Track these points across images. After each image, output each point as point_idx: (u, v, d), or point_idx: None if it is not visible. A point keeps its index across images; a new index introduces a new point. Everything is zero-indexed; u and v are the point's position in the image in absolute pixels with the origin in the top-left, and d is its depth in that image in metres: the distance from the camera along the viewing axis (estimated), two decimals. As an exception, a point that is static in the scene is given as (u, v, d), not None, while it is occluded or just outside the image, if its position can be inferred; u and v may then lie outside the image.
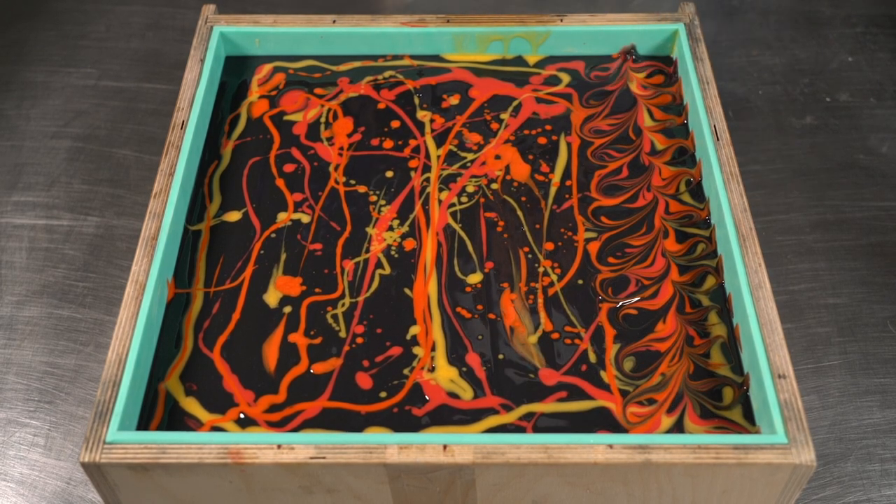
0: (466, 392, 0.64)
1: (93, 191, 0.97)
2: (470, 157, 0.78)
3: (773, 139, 1.01)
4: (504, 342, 0.66)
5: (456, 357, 0.66)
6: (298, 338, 0.67)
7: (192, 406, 0.63)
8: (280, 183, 0.76)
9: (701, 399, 0.63)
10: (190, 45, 0.82)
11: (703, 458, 0.57)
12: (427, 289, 0.69)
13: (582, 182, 0.76)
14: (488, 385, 0.64)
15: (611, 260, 0.71)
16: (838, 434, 0.79)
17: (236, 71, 0.84)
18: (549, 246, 0.72)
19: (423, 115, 0.81)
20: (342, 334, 0.67)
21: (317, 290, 0.69)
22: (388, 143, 0.79)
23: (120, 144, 1.01)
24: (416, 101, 0.82)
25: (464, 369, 0.65)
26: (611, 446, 0.58)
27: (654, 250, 0.71)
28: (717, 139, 0.74)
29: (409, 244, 0.72)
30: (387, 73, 0.84)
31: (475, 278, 0.70)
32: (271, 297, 0.69)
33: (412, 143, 0.79)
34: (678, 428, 0.62)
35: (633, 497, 0.60)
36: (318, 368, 0.65)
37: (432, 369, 0.65)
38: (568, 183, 0.76)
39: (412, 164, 0.77)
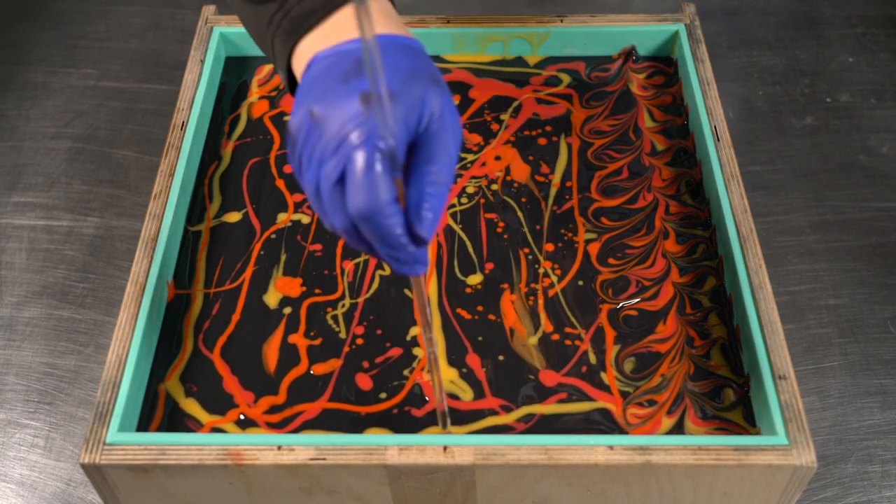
0: (466, 393, 0.64)
1: (93, 191, 0.97)
2: (470, 157, 0.78)
3: (774, 140, 1.01)
4: (504, 343, 0.66)
5: (456, 358, 0.66)
6: (298, 339, 0.67)
7: (192, 407, 0.63)
8: (280, 184, 0.76)
9: (701, 400, 0.63)
10: (190, 45, 0.82)
11: (704, 460, 0.57)
12: (427, 290, 0.69)
13: (582, 183, 0.76)
14: (488, 386, 0.64)
15: (611, 261, 0.71)
16: (839, 435, 0.79)
17: (236, 71, 0.84)
18: (550, 247, 0.72)
19: (424, 115, 0.81)
20: (342, 335, 0.67)
21: (317, 290, 0.69)
22: (389, 144, 0.79)
23: (120, 145, 1.01)
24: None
25: (464, 370, 0.65)
26: (611, 447, 0.58)
27: (655, 251, 0.71)
28: (718, 140, 0.74)
29: (410, 245, 0.72)
30: (387, 74, 0.84)
31: (475, 279, 0.70)
32: (271, 298, 0.69)
33: (412, 143, 0.79)
34: (678, 429, 0.62)
35: (634, 498, 0.60)
36: (318, 369, 0.65)
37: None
38: (568, 184, 0.76)
39: (412, 164, 0.77)
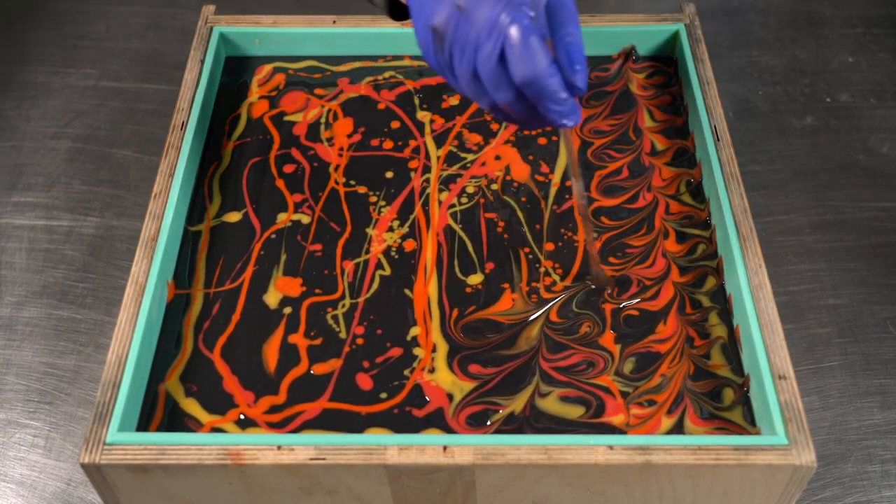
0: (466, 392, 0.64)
1: (93, 191, 0.97)
2: (470, 157, 0.78)
3: (774, 140, 1.01)
4: (504, 342, 0.66)
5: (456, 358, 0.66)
6: (298, 339, 0.67)
7: (192, 407, 0.63)
8: (280, 183, 0.76)
9: (701, 400, 0.63)
10: (190, 45, 0.82)
11: (704, 460, 0.57)
12: (427, 289, 0.69)
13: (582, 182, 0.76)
14: (489, 384, 0.64)
15: (611, 260, 0.71)
16: (839, 435, 0.79)
17: (236, 71, 0.84)
18: (550, 246, 0.72)
19: (423, 115, 0.81)
20: (342, 335, 0.67)
21: (317, 290, 0.69)
22: (388, 144, 0.79)
23: (120, 145, 1.01)
24: (416, 101, 0.82)
25: (464, 370, 0.65)
26: (611, 447, 0.58)
27: (655, 251, 0.71)
28: (718, 140, 0.74)
29: (410, 245, 0.72)
30: (387, 74, 0.84)
31: (476, 279, 0.70)
32: (271, 298, 0.69)
33: (412, 143, 0.79)
34: (678, 429, 0.62)
35: (634, 498, 0.60)
36: (319, 369, 0.65)
37: (432, 370, 0.65)
38: (568, 183, 0.76)
39: (412, 164, 0.77)
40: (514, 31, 0.54)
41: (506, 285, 0.69)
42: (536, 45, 0.54)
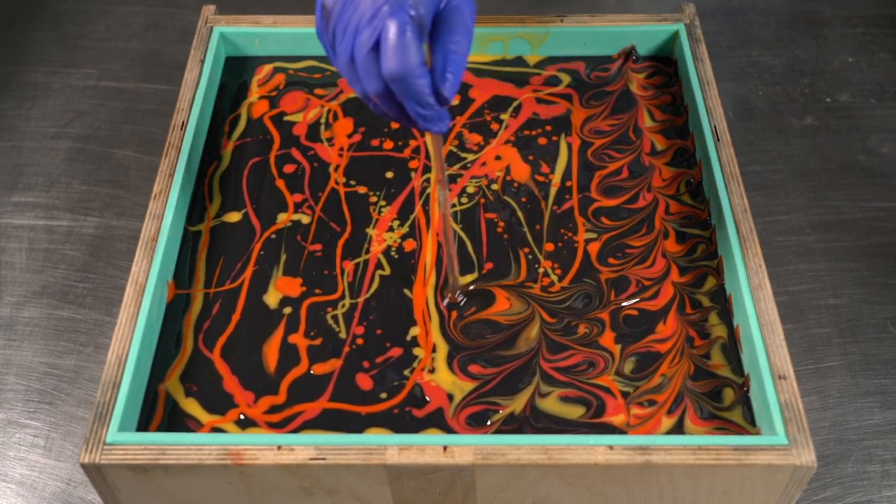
0: (465, 391, 0.64)
1: (93, 191, 0.97)
2: (470, 157, 0.78)
3: (774, 140, 1.01)
4: (504, 342, 0.66)
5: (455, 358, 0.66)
6: (298, 339, 0.67)
7: (192, 407, 0.63)
8: (280, 183, 0.76)
9: (701, 400, 0.63)
10: (190, 45, 0.82)
11: (704, 460, 0.57)
12: (427, 289, 0.69)
13: (582, 183, 0.76)
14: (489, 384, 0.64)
15: (611, 261, 0.71)
16: (839, 435, 0.79)
17: (236, 71, 0.84)
18: (550, 247, 0.72)
19: (424, 115, 0.81)
20: (342, 335, 0.67)
21: (317, 290, 0.69)
22: (389, 144, 0.79)
23: (120, 145, 1.01)
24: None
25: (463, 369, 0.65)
26: (611, 447, 0.58)
27: (655, 251, 0.71)
28: (718, 140, 0.74)
29: (409, 245, 0.72)
30: (387, 74, 0.84)
31: (475, 279, 0.70)
32: (271, 298, 0.69)
33: (412, 143, 0.79)
34: (678, 429, 0.62)
35: (634, 498, 0.60)
36: (319, 369, 0.65)
37: (432, 370, 0.65)
38: (568, 184, 0.76)
39: (412, 164, 0.77)
40: (391, 25, 0.55)
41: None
42: (410, 43, 0.55)
